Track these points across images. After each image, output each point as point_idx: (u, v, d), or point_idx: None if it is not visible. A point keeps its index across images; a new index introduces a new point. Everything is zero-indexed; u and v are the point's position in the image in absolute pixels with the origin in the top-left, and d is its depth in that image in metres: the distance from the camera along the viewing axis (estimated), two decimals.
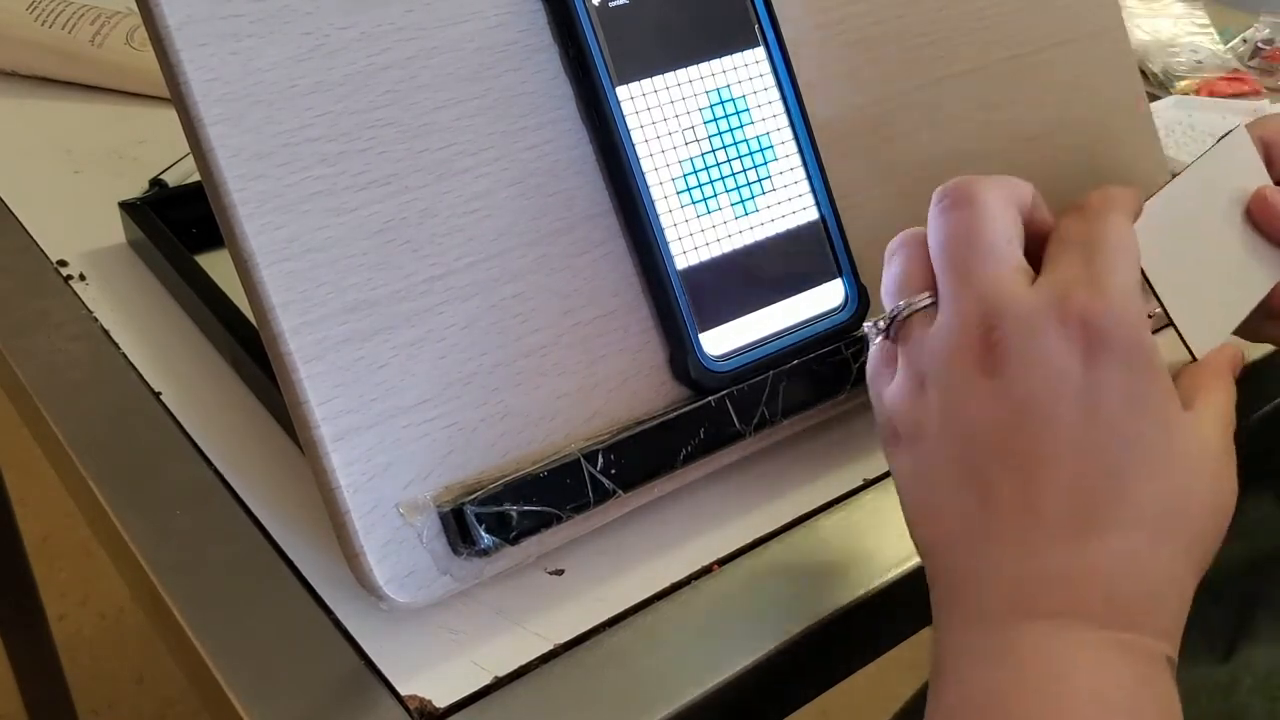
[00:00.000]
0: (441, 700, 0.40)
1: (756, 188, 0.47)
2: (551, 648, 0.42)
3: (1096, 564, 0.35)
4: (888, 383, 0.40)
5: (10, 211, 0.66)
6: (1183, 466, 0.36)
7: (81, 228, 0.64)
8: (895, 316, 0.40)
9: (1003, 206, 0.39)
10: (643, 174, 0.45)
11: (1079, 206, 0.39)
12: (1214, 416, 0.38)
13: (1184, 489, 0.36)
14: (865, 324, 0.43)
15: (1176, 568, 0.36)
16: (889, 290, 0.41)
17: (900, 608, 0.46)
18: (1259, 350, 0.58)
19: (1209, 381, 0.39)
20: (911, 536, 0.39)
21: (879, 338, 0.41)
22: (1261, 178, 0.45)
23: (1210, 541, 0.37)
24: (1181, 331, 0.42)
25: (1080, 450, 0.35)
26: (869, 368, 0.42)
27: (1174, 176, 0.44)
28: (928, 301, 0.40)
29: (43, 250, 0.63)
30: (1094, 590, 0.35)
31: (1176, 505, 0.36)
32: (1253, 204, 0.44)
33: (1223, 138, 0.45)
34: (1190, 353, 0.42)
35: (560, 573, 0.45)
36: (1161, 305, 0.41)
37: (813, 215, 0.49)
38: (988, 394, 0.36)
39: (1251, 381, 0.51)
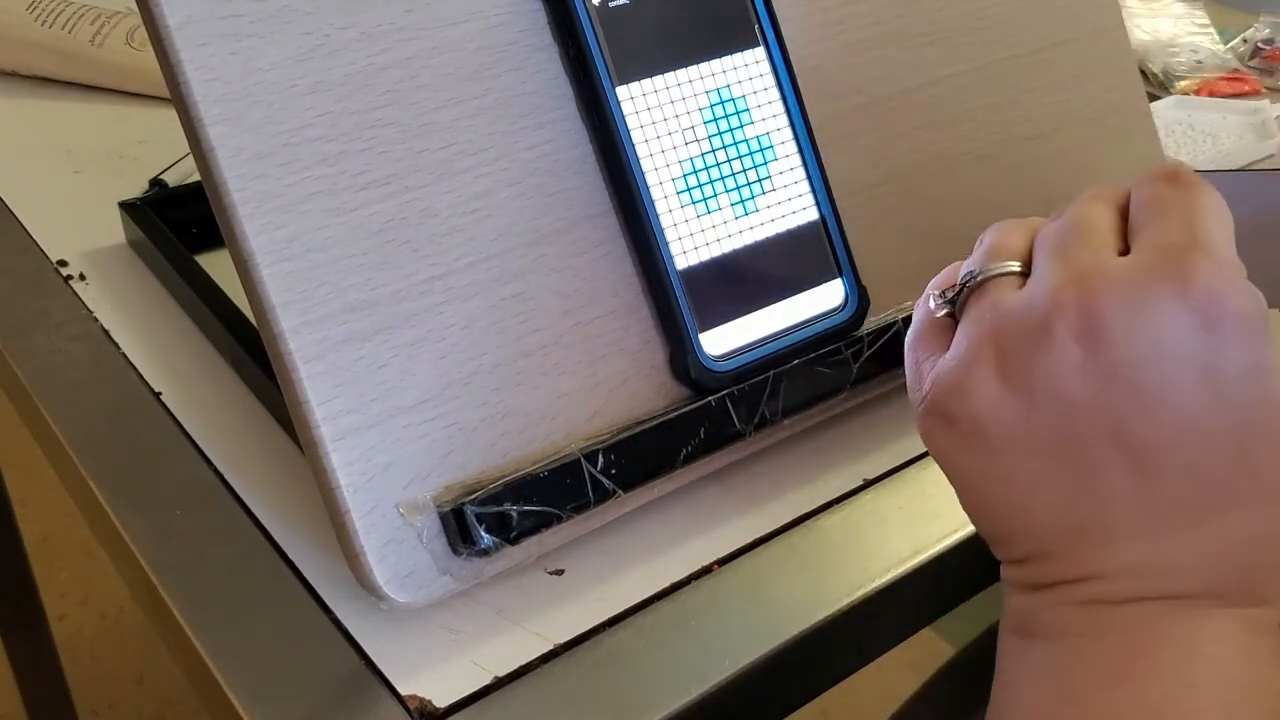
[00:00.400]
0: (441, 700, 0.40)
1: (756, 188, 0.47)
2: (551, 648, 0.42)
3: (1224, 545, 0.33)
4: (936, 358, 0.36)
5: (10, 211, 0.66)
6: None
7: (81, 228, 0.64)
8: (967, 282, 0.36)
9: (1110, 205, 0.37)
10: (643, 174, 0.45)
11: (1154, 178, 0.36)
12: None
13: None
14: (930, 291, 0.38)
15: None
16: (973, 263, 0.38)
17: (901, 607, 0.46)
18: None
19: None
20: (981, 521, 0.37)
21: (943, 309, 0.37)
22: None
23: None
24: None
25: (1202, 430, 0.32)
26: (911, 344, 0.39)
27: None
28: (1011, 269, 0.36)
29: (43, 250, 0.63)
30: (1222, 571, 0.33)
31: None
32: None
33: None
34: None
35: (560, 573, 0.45)
36: None
37: (813, 215, 0.49)
38: (1089, 372, 0.33)
39: None
